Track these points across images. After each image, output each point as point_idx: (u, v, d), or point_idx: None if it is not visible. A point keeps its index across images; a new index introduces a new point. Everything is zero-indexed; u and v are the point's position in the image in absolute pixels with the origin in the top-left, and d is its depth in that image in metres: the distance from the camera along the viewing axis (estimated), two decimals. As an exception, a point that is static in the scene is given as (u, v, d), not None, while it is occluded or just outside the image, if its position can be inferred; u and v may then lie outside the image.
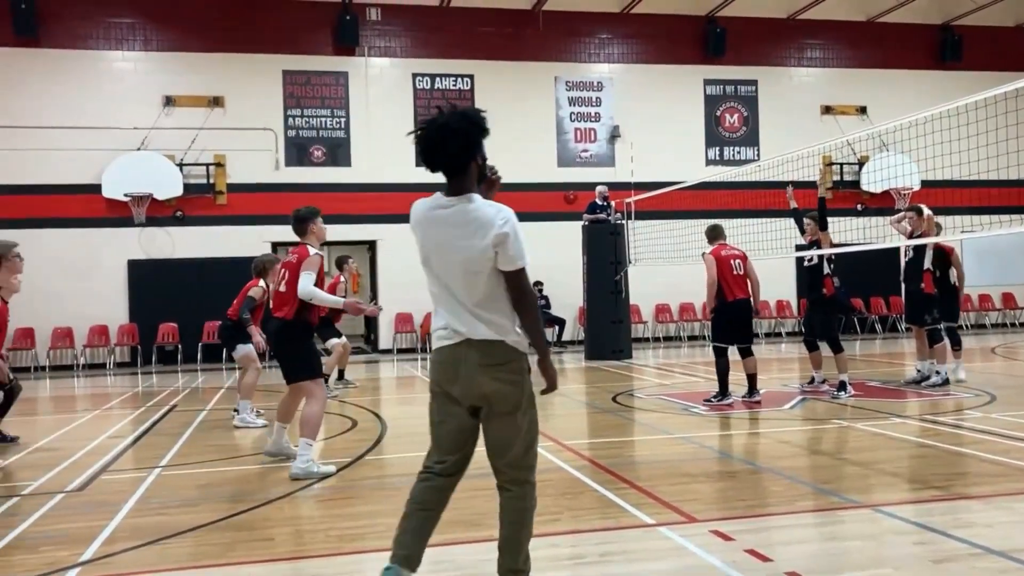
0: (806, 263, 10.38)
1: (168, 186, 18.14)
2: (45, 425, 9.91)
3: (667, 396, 10.46)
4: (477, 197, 3.48)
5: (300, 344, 6.70)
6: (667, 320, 20.65)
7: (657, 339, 20.44)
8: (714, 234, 9.67)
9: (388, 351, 19.36)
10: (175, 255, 18.36)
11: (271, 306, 7.09)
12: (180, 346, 18.14)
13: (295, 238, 6.90)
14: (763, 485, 5.80)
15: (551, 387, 3.58)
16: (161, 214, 18.33)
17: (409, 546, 3.51)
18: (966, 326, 21.91)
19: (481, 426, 3.54)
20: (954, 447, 6.75)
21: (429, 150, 3.44)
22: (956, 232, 14.84)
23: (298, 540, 4.86)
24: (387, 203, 18.78)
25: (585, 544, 4.59)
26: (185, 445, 8.16)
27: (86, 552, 4.69)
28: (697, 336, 20.76)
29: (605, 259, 16.05)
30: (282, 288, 6.70)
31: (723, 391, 9.42)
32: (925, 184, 20.24)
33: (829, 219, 10.18)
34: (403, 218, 17.82)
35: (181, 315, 18.14)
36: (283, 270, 6.76)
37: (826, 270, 10.04)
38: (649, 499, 5.39)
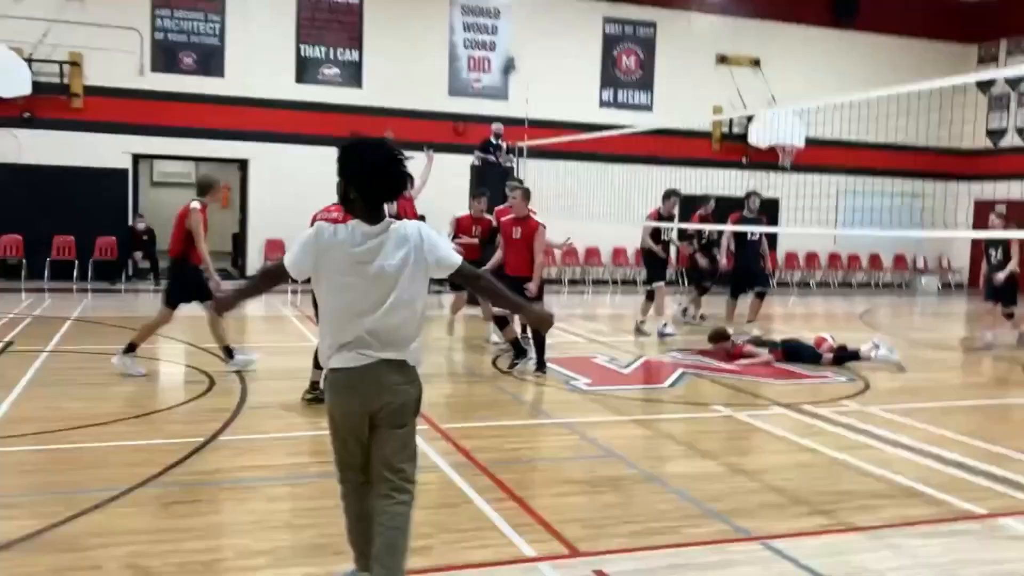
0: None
1: (14, 83, 16.33)
2: None
3: (554, 364, 9.93)
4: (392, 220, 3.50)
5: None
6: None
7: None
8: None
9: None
10: (22, 160, 16.69)
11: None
12: (24, 261, 16.66)
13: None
14: (649, 501, 5.50)
15: (548, 323, 3.96)
16: (7, 114, 16.56)
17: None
18: (834, 284, 22.65)
19: (374, 434, 3.52)
20: (836, 453, 6.64)
21: (393, 181, 3.44)
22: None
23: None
24: (262, 119, 17.54)
25: (461, 589, 4.17)
26: (19, 403, 7.27)
27: None
28: (578, 281, 20.67)
29: (494, 202, 15.45)
30: None
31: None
32: (810, 142, 20.52)
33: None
34: (279, 136, 16.66)
35: (28, 226, 16.64)
36: None
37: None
38: (530, 518, 5.01)
